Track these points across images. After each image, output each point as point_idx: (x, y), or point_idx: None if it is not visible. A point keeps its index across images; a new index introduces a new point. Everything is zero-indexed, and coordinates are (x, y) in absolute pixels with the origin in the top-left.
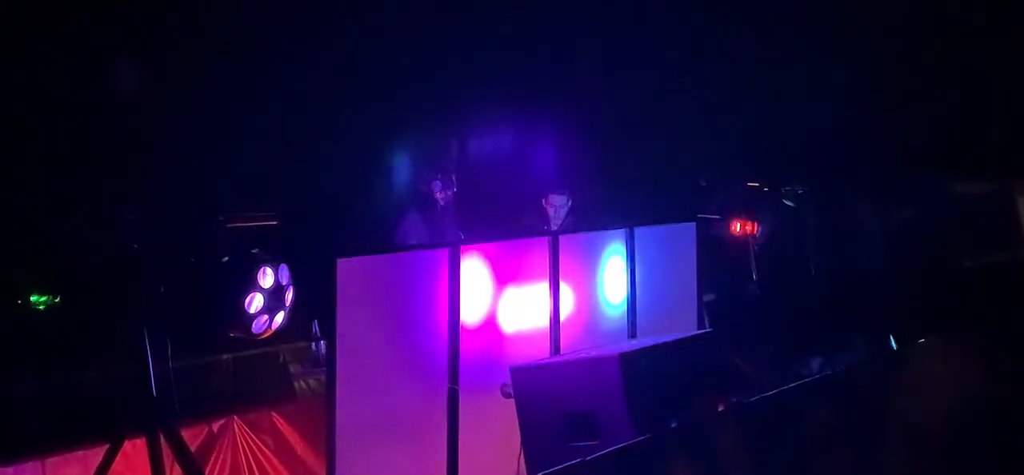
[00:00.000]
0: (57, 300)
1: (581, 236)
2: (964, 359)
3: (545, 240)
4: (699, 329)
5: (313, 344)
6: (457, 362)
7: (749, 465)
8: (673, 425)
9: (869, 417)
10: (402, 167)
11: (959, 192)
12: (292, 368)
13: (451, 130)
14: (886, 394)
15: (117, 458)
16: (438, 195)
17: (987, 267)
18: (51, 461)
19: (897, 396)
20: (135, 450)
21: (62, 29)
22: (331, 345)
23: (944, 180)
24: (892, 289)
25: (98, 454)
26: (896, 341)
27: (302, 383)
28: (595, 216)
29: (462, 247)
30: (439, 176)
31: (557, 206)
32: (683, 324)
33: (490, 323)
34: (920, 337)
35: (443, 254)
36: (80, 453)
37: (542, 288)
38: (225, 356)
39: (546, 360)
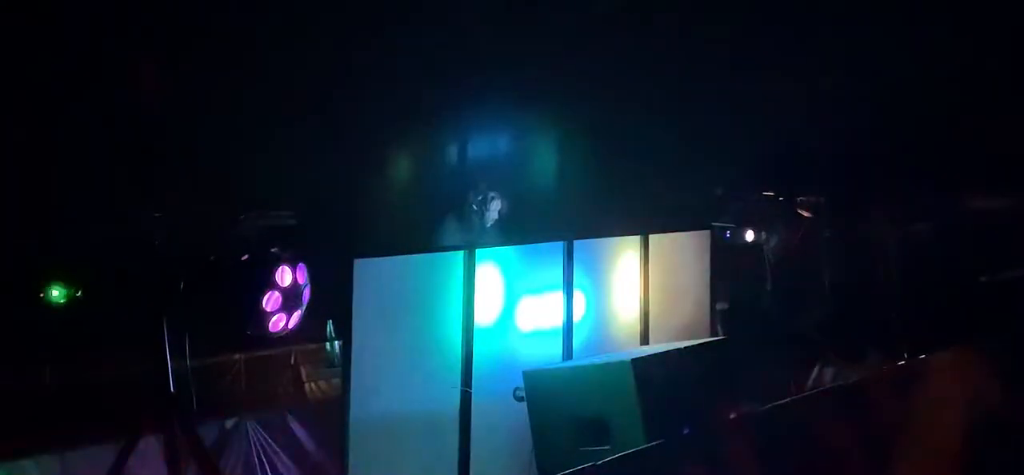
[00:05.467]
0: (78, 294)
1: (595, 241)
2: (978, 374)
3: (560, 244)
4: (712, 337)
5: (327, 344)
6: (470, 365)
7: (760, 474)
8: (685, 432)
9: (881, 430)
10: (426, 169)
11: (976, 206)
12: (304, 370)
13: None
14: (899, 407)
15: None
16: (490, 212)
17: (1003, 282)
18: (69, 455)
19: (910, 409)
20: (147, 446)
21: (81, 28)
22: (346, 345)
23: (961, 194)
24: (907, 302)
25: (113, 450)
26: (905, 352)
27: (313, 385)
28: (610, 222)
29: (477, 250)
30: (493, 193)
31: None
32: (696, 331)
33: (503, 326)
34: (934, 351)
35: (458, 256)
36: (96, 448)
37: (556, 292)
38: (237, 356)
39: (559, 364)
